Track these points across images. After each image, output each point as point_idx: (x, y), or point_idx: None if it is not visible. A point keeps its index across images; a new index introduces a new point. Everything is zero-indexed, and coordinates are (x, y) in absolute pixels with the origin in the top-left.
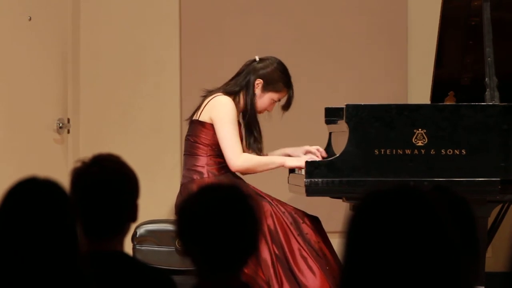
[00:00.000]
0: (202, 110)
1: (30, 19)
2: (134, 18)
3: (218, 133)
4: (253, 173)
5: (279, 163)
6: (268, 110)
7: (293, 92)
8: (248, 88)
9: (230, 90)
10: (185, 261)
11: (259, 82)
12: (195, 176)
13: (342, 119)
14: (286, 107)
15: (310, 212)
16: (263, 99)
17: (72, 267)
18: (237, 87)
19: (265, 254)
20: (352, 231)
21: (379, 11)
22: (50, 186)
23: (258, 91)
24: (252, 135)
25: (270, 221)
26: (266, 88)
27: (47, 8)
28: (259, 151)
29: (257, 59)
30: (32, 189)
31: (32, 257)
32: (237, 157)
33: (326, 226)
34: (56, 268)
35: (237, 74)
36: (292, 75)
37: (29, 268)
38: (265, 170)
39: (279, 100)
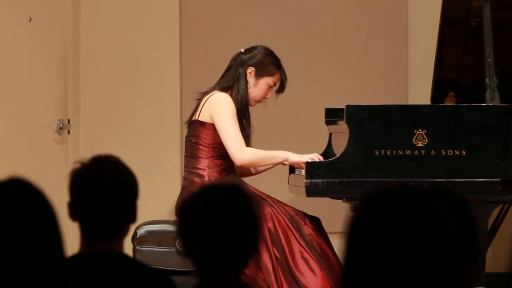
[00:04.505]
0: (201, 110)
1: (30, 19)
2: (134, 18)
3: (219, 129)
4: (257, 167)
5: (283, 157)
6: (266, 97)
7: (285, 74)
8: (240, 79)
9: (224, 86)
10: (186, 262)
11: (251, 71)
12: (196, 179)
13: (342, 119)
14: (281, 89)
15: (310, 212)
16: (259, 86)
17: (49, 271)
18: (230, 82)
19: (266, 259)
20: (353, 232)
21: (379, 11)
22: (19, 186)
23: (252, 79)
24: (241, 124)
25: (270, 224)
26: (259, 74)
27: (47, 9)
28: (246, 138)
29: (243, 50)
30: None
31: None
32: (241, 151)
33: (326, 227)
34: (29, 273)
35: (227, 70)
36: (292, 75)
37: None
38: (269, 165)
39: (274, 84)
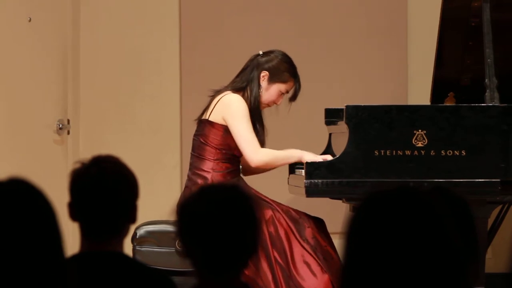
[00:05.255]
0: (212, 110)
1: (30, 20)
2: (134, 18)
3: (233, 130)
4: (273, 168)
5: (298, 157)
6: (275, 103)
7: (299, 83)
8: (253, 81)
9: (237, 87)
10: (185, 262)
11: (264, 75)
12: (200, 181)
13: (342, 120)
14: (293, 98)
15: (310, 213)
16: (270, 91)
17: (49, 271)
18: (244, 83)
19: (265, 267)
20: (352, 232)
21: (379, 11)
22: (19, 186)
23: (264, 83)
24: (254, 127)
25: (271, 228)
26: (272, 79)
27: (47, 9)
28: (260, 144)
29: (261, 53)
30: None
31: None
32: (256, 152)
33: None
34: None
35: (242, 70)
36: None
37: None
38: (284, 164)
39: (287, 91)
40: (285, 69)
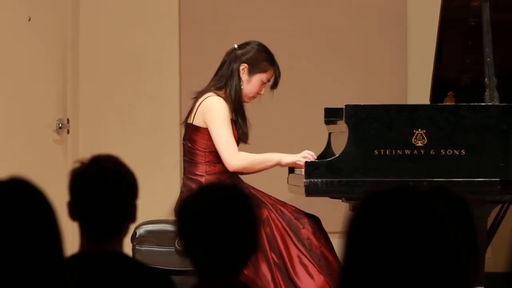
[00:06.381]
0: (195, 113)
1: (29, 19)
2: (133, 18)
3: (212, 134)
4: (252, 172)
5: (276, 160)
6: (259, 93)
7: (279, 70)
8: (233, 76)
9: (218, 85)
10: (185, 262)
11: (244, 67)
12: (194, 186)
13: (342, 119)
14: (274, 85)
15: (309, 212)
16: (252, 83)
17: (49, 271)
18: (224, 79)
19: (264, 268)
20: (352, 232)
21: (379, 11)
22: (19, 186)
23: (245, 76)
24: (236, 121)
25: (268, 229)
26: (252, 70)
27: (47, 8)
28: (243, 136)
29: (236, 46)
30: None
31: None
32: (233, 156)
33: (325, 226)
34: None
35: (220, 66)
36: (292, 75)
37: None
38: (263, 169)
39: (268, 80)
40: (263, 58)
